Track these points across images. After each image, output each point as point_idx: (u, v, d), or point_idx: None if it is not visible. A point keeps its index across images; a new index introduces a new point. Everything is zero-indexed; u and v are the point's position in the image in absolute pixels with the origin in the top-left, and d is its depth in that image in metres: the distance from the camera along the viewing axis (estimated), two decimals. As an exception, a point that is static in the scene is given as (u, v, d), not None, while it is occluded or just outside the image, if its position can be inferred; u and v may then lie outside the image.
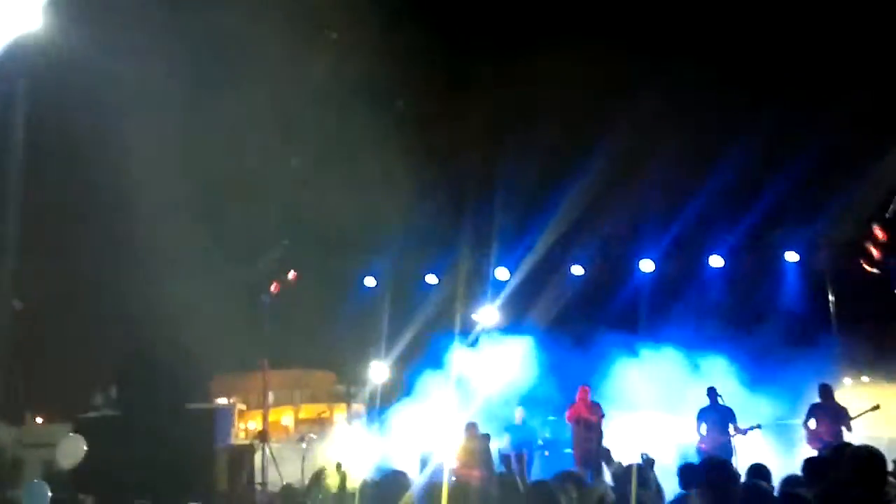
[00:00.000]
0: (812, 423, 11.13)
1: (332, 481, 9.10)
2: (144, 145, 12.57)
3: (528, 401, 14.42)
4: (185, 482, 8.98)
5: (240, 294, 14.53)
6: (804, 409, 11.38)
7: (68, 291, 14.89)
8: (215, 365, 17.13)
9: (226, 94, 12.40)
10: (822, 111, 12.22)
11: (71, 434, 11.94)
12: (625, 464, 6.22)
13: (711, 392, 11.65)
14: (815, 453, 10.29)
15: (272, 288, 12.86)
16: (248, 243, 14.55)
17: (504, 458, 11.46)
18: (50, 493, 8.41)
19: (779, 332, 13.25)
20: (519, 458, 7.06)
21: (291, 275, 13.35)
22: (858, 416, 11.01)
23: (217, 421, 11.23)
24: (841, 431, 10.74)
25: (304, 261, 14.47)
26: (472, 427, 11.98)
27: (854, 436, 10.25)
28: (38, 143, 11.08)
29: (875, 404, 11.30)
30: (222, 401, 14.52)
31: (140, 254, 14.29)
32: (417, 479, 8.01)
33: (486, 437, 7.68)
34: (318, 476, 10.02)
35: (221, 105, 12.42)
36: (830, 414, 11.00)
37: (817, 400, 11.29)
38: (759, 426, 11.47)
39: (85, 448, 11.69)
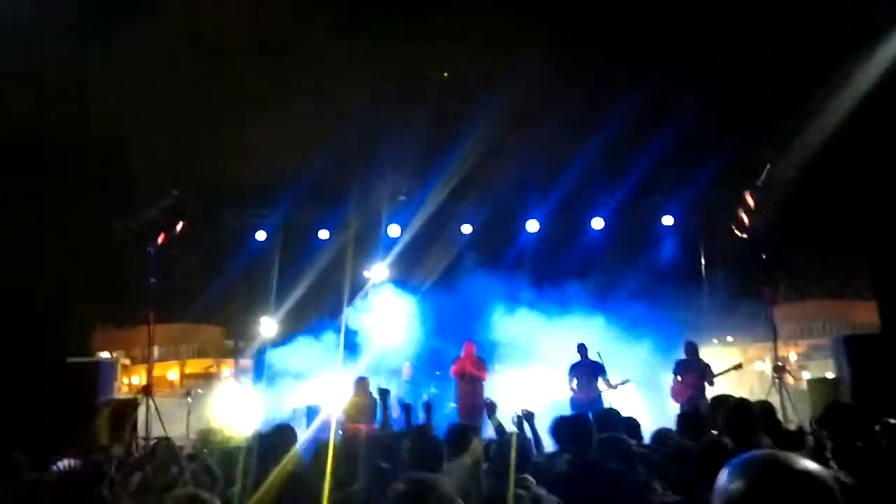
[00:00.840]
0: (678, 379, 11.87)
1: (218, 437, 9.12)
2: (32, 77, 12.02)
3: (416, 357, 14.72)
4: (65, 436, 8.81)
5: (125, 245, 14.14)
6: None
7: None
8: (98, 318, 16.68)
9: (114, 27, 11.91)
10: (704, 76, 12.73)
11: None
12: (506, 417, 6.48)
13: (581, 347, 12.32)
14: (678, 406, 11.05)
15: (159, 239, 12.56)
16: (135, 192, 14.13)
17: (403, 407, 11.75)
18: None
19: (653, 293, 13.89)
20: (405, 408, 7.23)
21: (179, 226, 13.06)
22: (721, 373, 11.80)
23: (100, 375, 11.04)
24: (704, 387, 11.51)
25: (192, 212, 14.18)
26: (362, 382, 12.16)
27: (715, 391, 10.95)
28: None
29: (738, 363, 12.11)
30: (105, 355, 14.18)
31: (23, 197, 13.69)
32: (304, 433, 8.16)
33: (385, 392, 7.80)
34: (206, 433, 10.01)
35: (110, 39, 11.96)
36: (696, 370, 11.75)
37: (683, 357, 12.04)
38: (628, 380, 12.15)
39: None
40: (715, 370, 11.78)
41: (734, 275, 13.47)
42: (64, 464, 4.94)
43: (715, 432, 5.08)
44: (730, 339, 14.61)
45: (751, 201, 11.99)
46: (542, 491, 4.18)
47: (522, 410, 6.41)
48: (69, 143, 13.40)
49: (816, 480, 1.65)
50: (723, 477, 1.73)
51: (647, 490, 4.51)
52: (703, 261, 15.26)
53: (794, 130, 12.52)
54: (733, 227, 12.51)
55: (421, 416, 8.02)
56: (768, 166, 11.84)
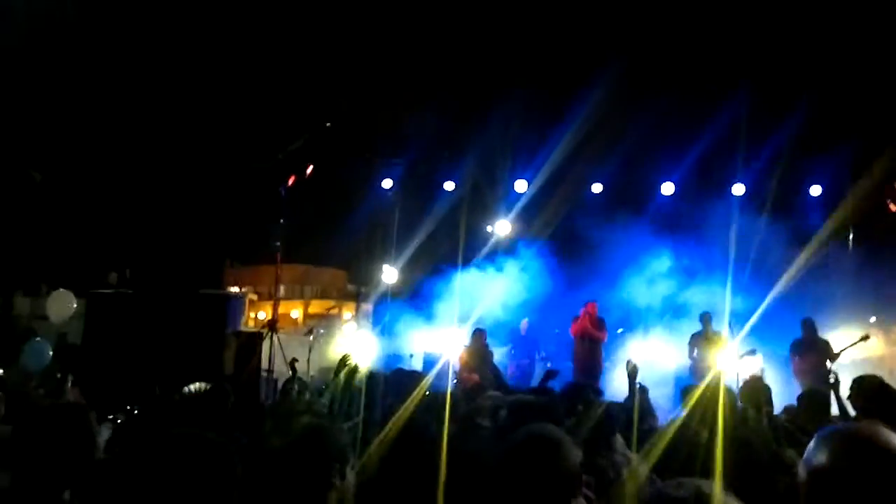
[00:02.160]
0: (797, 359, 11.33)
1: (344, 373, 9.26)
2: (167, 27, 12.40)
3: (536, 313, 14.58)
4: (193, 364, 9.15)
5: (257, 185, 14.52)
6: None
7: (89, 167, 14.89)
8: (229, 254, 17.29)
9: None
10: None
11: (62, 290, 12.21)
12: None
13: (704, 316, 12.00)
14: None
15: (289, 181, 12.80)
16: (268, 134, 14.43)
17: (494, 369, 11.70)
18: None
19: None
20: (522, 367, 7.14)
21: (309, 169, 13.27)
22: (847, 347, 11.20)
23: (229, 307, 11.39)
24: (825, 365, 10.93)
25: (322, 157, 14.37)
26: (479, 333, 12.16)
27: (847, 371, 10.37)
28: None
29: (864, 334, 11.43)
30: (234, 290, 14.70)
31: (164, 138, 14.23)
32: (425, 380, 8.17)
33: (554, 373, 7.73)
34: (334, 368, 10.20)
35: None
36: (815, 349, 11.18)
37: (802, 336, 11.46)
38: (755, 351, 11.66)
39: (74, 305, 11.96)
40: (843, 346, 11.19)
41: (884, 250, 12.57)
42: (193, 387, 5.08)
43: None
44: (872, 319, 13.72)
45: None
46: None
47: (630, 363, 6.24)
48: (209, 84, 13.81)
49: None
50: (809, 448, 1.74)
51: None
52: (851, 235, 14.32)
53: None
54: (888, 200, 11.66)
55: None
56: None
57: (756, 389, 6.16)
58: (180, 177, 14.87)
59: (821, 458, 1.67)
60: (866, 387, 5.88)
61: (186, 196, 15.35)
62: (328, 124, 13.23)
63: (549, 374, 7.18)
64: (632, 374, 6.07)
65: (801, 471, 1.73)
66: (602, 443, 4.15)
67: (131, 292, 11.81)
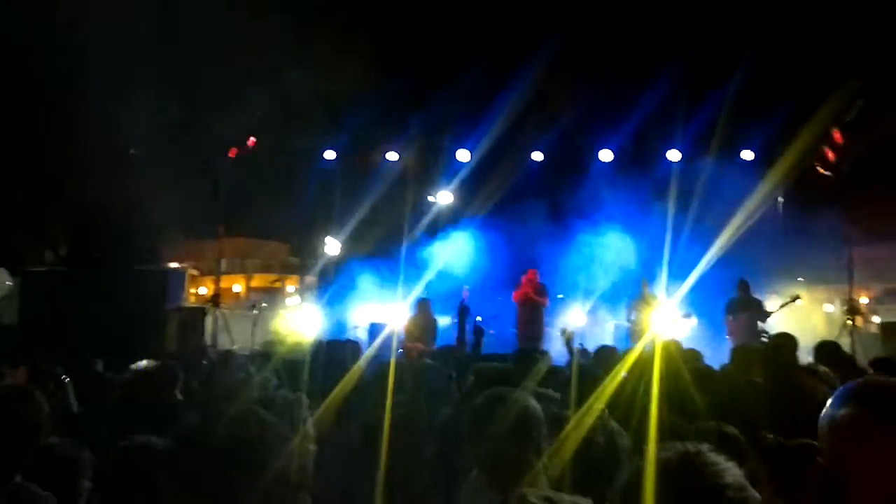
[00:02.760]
0: (731, 318, 11.73)
1: (284, 347, 9.30)
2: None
3: (480, 282, 14.73)
4: (134, 341, 9.07)
5: (197, 158, 14.32)
6: None
7: (21, 143, 14.49)
8: (169, 229, 17.03)
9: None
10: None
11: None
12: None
13: (642, 281, 12.37)
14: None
15: (230, 153, 12.67)
16: (208, 106, 14.22)
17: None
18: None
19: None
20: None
21: (250, 140, 13.14)
22: (781, 307, 11.68)
23: (169, 283, 11.28)
24: (756, 325, 11.40)
25: (264, 128, 14.24)
26: (424, 303, 12.29)
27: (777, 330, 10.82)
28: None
29: (795, 295, 11.90)
30: (174, 265, 14.50)
31: (100, 112, 13.89)
32: (367, 350, 8.26)
33: (465, 309, 7.87)
34: (272, 343, 10.22)
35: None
36: (748, 308, 11.62)
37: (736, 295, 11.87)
38: (690, 314, 12.05)
39: (9, 283, 11.72)
40: (775, 307, 11.65)
41: (811, 213, 13.00)
42: (141, 365, 5.06)
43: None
44: (800, 279, 14.25)
45: (839, 138, 11.47)
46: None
47: (564, 329, 6.44)
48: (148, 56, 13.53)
49: None
50: (830, 403, 1.70)
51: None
52: (780, 197, 14.76)
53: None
54: (817, 164, 12.03)
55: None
56: (858, 101, 11.26)
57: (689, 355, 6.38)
58: (116, 151, 14.57)
59: (845, 411, 1.64)
60: (825, 351, 6.19)
61: (123, 171, 15.06)
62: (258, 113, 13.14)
63: (478, 332, 7.36)
64: (568, 339, 6.23)
65: (823, 425, 1.68)
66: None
67: (67, 270, 11.60)
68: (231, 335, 11.29)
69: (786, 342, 6.37)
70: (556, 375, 4.98)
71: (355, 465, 4.03)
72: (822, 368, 4.54)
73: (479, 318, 12.99)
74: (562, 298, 14.50)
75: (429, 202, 16.59)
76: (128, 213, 14.86)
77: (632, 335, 11.87)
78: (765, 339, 10.64)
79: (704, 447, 1.71)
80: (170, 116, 14.14)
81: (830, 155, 11.61)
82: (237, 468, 2.38)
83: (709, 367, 5.66)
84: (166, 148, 14.31)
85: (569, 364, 5.97)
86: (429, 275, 14.00)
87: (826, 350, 6.22)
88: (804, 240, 13.49)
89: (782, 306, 11.71)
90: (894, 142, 12.70)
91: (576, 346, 6.38)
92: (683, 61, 13.07)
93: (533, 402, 2.77)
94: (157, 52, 13.13)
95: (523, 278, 13.15)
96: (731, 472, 1.66)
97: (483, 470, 2.71)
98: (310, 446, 2.87)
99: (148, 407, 4.42)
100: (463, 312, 7.43)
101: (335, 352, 5.73)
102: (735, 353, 6.44)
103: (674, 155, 15.52)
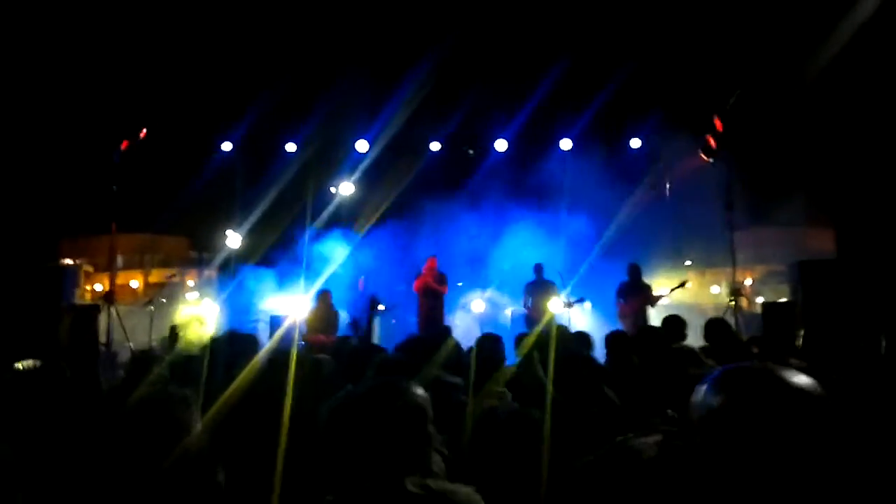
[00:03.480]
0: (622, 301, 12.20)
1: (181, 343, 9.19)
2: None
3: (380, 271, 14.85)
4: (24, 341, 8.82)
5: (86, 151, 13.92)
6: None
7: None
8: (61, 226, 16.48)
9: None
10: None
11: None
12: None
13: (537, 267, 12.70)
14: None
15: (122, 146, 12.36)
16: (96, 99, 13.82)
17: (352, 322, 11.94)
18: None
19: (616, 215, 14.10)
20: (354, 323, 7.28)
21: (142, 133, 12.84)
22: (671, 291, 12.21)
23: (61, 280, 10.97)
24: (646, 309, 11.92)
25: (157, 120, 13.92)
26: (325, 294, 12.30)
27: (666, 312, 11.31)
28: None
29: (683, 280, 12.45)
30: (69, 262, 14.05)
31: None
32: (268, 343, 8.25)
33: (374, 300, 7.84)
34: (172, 334, 10.09)
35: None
36: (638, 292, 12.09)
37: (627, 279, 12.33)
38: (583, 300, 12.47)
39: None
40: (665, 290, 12.17)
41: (697, 199, 13.59)
42: (25, 364, 4.95)
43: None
44: (688, 262, 14.89)
45: (719, 126, 12.00)
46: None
47: (368, 295, 6.48)
48: (36, 49, 13.06)
49: (803, 392, 1.56)
50: (701, 391, 1.66)
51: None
52: (668, 184, 15.36)
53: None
54: (699, 151, 12.55)
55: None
56: (738, 90, 11.83)
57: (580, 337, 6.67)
58: (5, 147, 14.03)
59: (718, 399, 1.59)
60: (713, 329, 6.57)
61: (11, 166, 14.51)
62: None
63: (373, 302, 7.36)
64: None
65: (695, 412, 1.64)
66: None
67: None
68: (126, 332, 11.06)
69: (666, 326, 6.77)
70: (458, 359, 5.14)
71: (252, 460, 4.09)
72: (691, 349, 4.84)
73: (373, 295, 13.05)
74: (461, 286, 14.76)
75: (330, 193, 16.57)
76: (17, 208, 14.37)
77: (529, 320, 12.19)
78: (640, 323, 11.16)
79: None
80: (58, 109, 13.70)
81: (712, 142, 12.12)
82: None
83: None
84: (60, 143, 13.90)
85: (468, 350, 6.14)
86: (331, 267, 14.03)
87: (714, 327, 6.62)
88: (691, 225, 14.09)
89: (672, 290, 12.23)
90: (772, 127, 13.42)
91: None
92: (573, 53, 13.48)
93: (417, 390, 2.77)
94: (40, 40, 12.73)
95: (423, 267, 13.32)
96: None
97: (368, 464, 2.68)
98: (197, 442, 2.91)
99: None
100: (373, 302, 7.35)
101: (233, 345, 5.71)
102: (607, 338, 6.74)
103: (565, 144, 15.99)
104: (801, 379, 1.59)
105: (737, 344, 6.45)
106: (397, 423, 2.59)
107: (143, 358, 7.21)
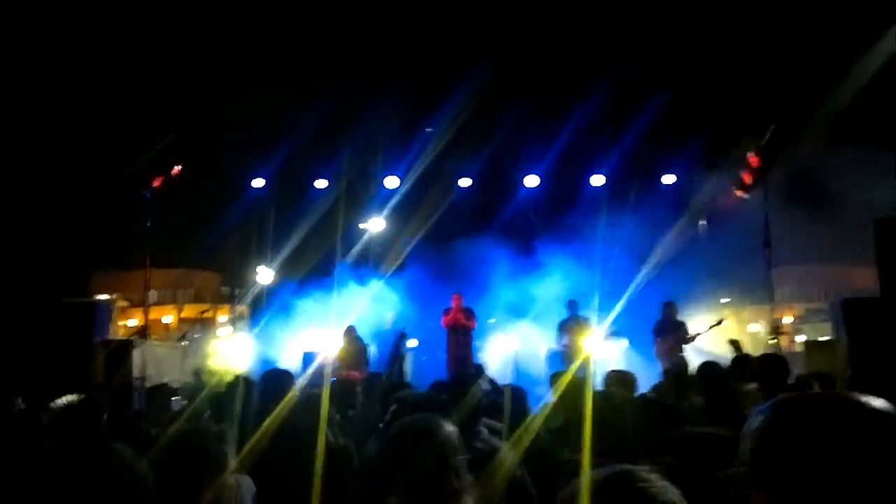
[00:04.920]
0: (658, 340, 11.99)
1: (213, 379, 9.13)
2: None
3: (405, 307, 14.80)
4: (59, 377, 8.81)
5: (121, 188, 14.08)
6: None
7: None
8: (96, 261, 16.65)
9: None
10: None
11: None
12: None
13: (572, 304, 12.53)
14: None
15: (155, 182, 12.49)
16: (131, 136, 14.01)
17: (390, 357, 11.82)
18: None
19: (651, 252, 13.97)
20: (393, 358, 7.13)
21: (175, 169, 12.97)
22: (709, 329, 11.95)
23: (96, 315, 11.01)
24: (682, 347, 11.72)
25: (189, 156, 14.07)
26: (350, 330, 12.26)
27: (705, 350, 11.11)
28: None
29: (719, 319, 12.21)
30: (103, 297, 14.16)
31: (21, 139, 13.57)
32: (301, 379, 8.18)
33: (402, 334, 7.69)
34: (201, 375, 10.03)
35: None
36: (673, 331, 11.89)
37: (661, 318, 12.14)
38: (617, 333, 12.28)
39: None
40: (701, 329, 11.94)
41: (734, 236, 13.41)
42: (63, 401, 4.93)
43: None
44: (724, 300, 14.63)
45: (754, 162, 11.87)
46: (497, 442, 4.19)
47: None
48: (70, 86, 13.28)
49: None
50: (750, 419, 1.60)
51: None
52: (704, 221, 15.18)
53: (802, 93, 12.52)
54: (735, 188, 12.42)
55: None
56: (772, 126, 11.72)
57: (622, 376, 6.51)
58: (39, 181, 14.22)
59: (757, 421, 1.55)
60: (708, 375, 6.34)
61: (46, 201, 14.70)
62: (171, 136, 13.01)
63: (401, 336, 7.19)
64: (478, 372, 6.12)
65: (744, 441, 1.58)
66: (468, 430, 4.29)
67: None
68: (160, 367, 11.06)
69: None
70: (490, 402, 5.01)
71: (288, 496, 4.00)
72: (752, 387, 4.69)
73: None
74: (493, 323, 14.62)
75: (360, 229, 16.59)
76: (52, 244, 14.52)
77: (564, 358, 12.00)
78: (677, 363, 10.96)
79: (642, 468, 1.65)
80: (92, 145, 13.89)
81: (747, 178, 12.00)
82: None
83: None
84: (94, 179, 14.06)
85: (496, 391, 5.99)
86: (360, 303, 13.99)
87: (770, 365, 6.36)
88: (728, 262, 13.87)
89: (709, 328, 11.99)
90: (807, 163, 13.24)
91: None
92: (606, 89, 13.44)
93: (448, 426, 2.71)
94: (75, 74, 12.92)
95: (452, 303, 13.23)
96: (669, 490, 1.60)
97: (403, 502, 2.66)
98: (230, 479, 2.85)
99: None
100: (401, 337, 7.21)
101: (268, 381, 5.66)
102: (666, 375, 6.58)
103: (598, 180, 15.88)
104: (880, 402, 1.51)
105: (792, 381, 6.22)
106: (428, 459, 2.55)
107: (158, 391, 7.20)
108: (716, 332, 12.02)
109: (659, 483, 1.60)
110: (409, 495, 2.59)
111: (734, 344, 7.25)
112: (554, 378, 5.95)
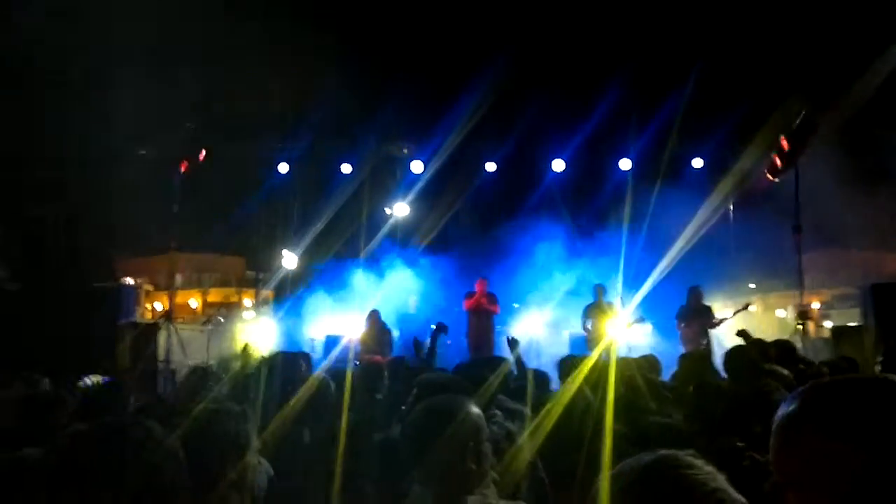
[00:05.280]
0: (682, 325, 11.87)
1: (239, 362, 9.19)
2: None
3: (434, 293, 14.78)
4: (87, 358, 8.90)
5: (148, 173, 14.18)
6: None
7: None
8: (122, 245, 16.82)
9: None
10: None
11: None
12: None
13: (598, 288, 12.45)
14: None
15: (182, 167, 12.55)
16: (157, 121, 14.08)
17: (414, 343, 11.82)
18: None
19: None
20: (416, 343, 7.08)
21: (202, 154, 13.02)
22: (734, 314, 11.82)
23: (122, 299, 11.13)
24: (707, 331, 11.58)
25: (215, 142, 14.13)
26: (374, 314, 12.28)
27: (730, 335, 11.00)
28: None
29: (746, 303, 12.07)
30: (129, 281, 14.31)
31: (48, 127, 13.69)
32: (324, 363, 8.21)
33: (442, 326, 7.65)
34: (227, 359, 10.09)
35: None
36: (699, 315, 11.76)
37: (686, 303, 12.01)
38: (643, 318, 12.16)
39: None
40: (728, 314, 11.82)
41: (763, 220, 13.23)
42: (90, 380, 5.00)
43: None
44: (752, 285, 14.47)
45: (785, 145, 11.66)
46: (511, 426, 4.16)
47: (511, 339, 6.32)
48: (94, 72, 13.37)
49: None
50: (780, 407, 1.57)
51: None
52: (731, 206, 15.00)
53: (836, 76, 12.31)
54: (766, 172, 12.21)
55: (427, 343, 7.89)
56: (804, 111, 11.50)
57: (649, 361, 6.45)
58: (65, 170, 14.38)
59: (784, 408, 1.52)
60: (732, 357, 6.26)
61: (73, 187, 14.86)
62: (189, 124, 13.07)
63: (439, 328, 7.15)
64: (512, 345, 6.10)
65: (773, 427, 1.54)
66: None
67: (17, 287, 11.38)
68: (185, 351, 11.15)
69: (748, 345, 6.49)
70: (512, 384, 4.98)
71: (310, 476, 4.01)
72: (782, 370, 4.63)
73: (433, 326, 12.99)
74: (517, 308, 14.57)
75: (385, 214, 16.60)
76: (81, 230, 14.68)
77: (588, 342, 11.95)
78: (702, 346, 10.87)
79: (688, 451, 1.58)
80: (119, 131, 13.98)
81: (778, 162, 11.79)
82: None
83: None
84: (120, 164, 14.17)
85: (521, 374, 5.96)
86: (384, 287, 14.01)
87: (783, 351, 6.33)
88: (755, 247, 13.71)
89: (735, 313, 11.86)
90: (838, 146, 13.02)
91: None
92: (633, 72, 13.30)
93: (472, 409, 2.67)
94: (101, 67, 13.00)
95: (476, 288, 13.19)
96: (718, 477, 1.52)
97: (425, 485, 2.66)
98: (253, 459, 2.85)
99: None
100: (440, 328, 7.14)
101: (288, 364, 5.69)
102: (681, 359, 6.50)
103: (625, 164, 15.74)
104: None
105: (807, 367, 6.16)
106: (448, 442, 2.54)
107: (201, 371, 7.26)
108: (742, 316, 11.90)
109: (706, 469, 1.53)
110: (429, 477, 2.59)
111: (743, 335, 7.16)
112: (563, 362, 5.87)
